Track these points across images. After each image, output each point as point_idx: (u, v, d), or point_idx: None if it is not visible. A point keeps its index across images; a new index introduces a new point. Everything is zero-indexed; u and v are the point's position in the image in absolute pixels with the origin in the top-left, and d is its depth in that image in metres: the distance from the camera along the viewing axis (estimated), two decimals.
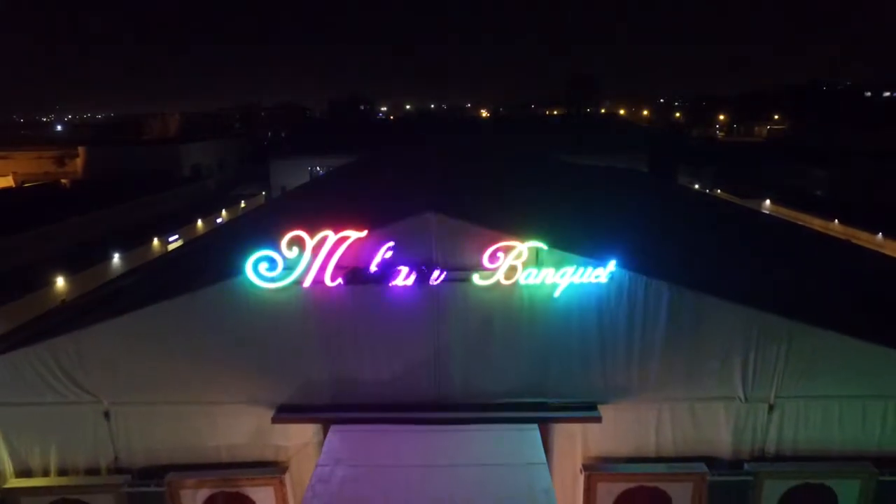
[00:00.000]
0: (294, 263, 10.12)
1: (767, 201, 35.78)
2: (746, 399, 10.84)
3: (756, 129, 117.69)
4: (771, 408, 10.90)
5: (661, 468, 10.95)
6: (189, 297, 10.63)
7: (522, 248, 9.97)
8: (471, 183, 16.71)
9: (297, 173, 48.81)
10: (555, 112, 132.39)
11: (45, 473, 11.25)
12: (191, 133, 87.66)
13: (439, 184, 14.93)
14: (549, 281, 10.18)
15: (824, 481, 10.83)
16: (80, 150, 51.39)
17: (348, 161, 36.55)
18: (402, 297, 10.36)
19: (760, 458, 11.03)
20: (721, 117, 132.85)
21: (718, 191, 42.74)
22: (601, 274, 10.13)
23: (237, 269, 10.26)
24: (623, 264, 10.23)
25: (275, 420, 10.74)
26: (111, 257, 26.15)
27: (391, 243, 9.99)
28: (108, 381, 10.86)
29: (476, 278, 10.18)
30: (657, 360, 10.67)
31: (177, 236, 31.90)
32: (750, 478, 10.81)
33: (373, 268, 10.11)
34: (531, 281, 10.18)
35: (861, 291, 13.81)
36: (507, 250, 9.99)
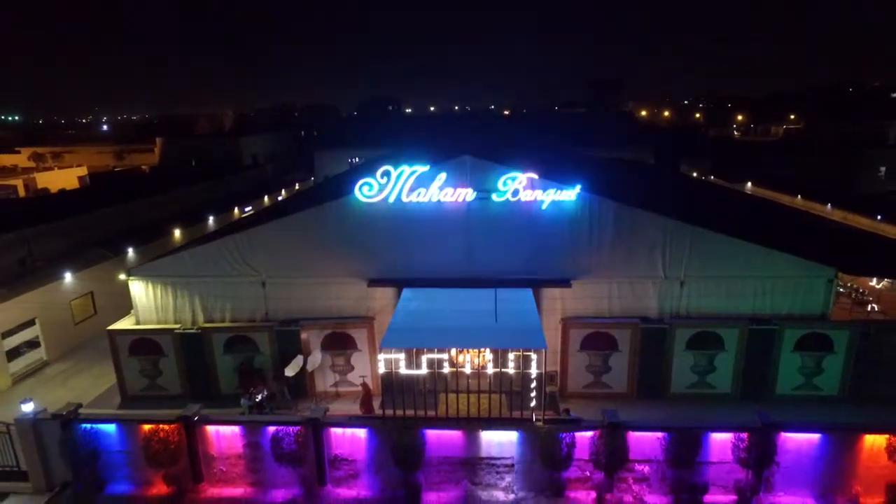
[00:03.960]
0: (383, 186, 16.64)
1: (749, 184, 41.47)
2: (666, 277, 17.07)
3: (773, 128, 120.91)
4: (682, 284, 17.11)
5: (610, 321, 17.21)
6: (318, 208, 17.33)
7: (522, 177, 16.34)
8: (492, 149, 23.14)
9: (338, 163, 55.84)
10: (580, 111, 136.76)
11: (222, 321, 18.02)
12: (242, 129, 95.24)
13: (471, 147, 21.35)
14: (538, 199, 16.53)
15: (715, 329, 16.96)
16: (157, 140, 59.09)
17: (381, 153, 43.06)
18: (449, 208, 16.78)
19: (675, 315, 17.21)
20: (739, 117, 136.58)
21: (712, 177, 48.41)
22: (571, 195, 16.45)
23: (349, 191, 16.87)
24: (585, 189, 16.55)
25: (369, 286, 17.30)
26: (207, 219, 33.32)
27: (443, 174, 16.43)
28: (266, 263, 17.58)
29: (494, 196, 16.56)
30: (607, 251, 16.95)
31: (250, 208, 38.97)
32: (667, 327, 16.99)
33: (431, 189, 16.55)
34: (528, 199, 16.52)
35: (752, 218, 19.97)
36: (513, 179, 16.36)
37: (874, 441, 12.75)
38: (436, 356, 13.47)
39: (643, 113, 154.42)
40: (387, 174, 16.54)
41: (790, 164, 53.24)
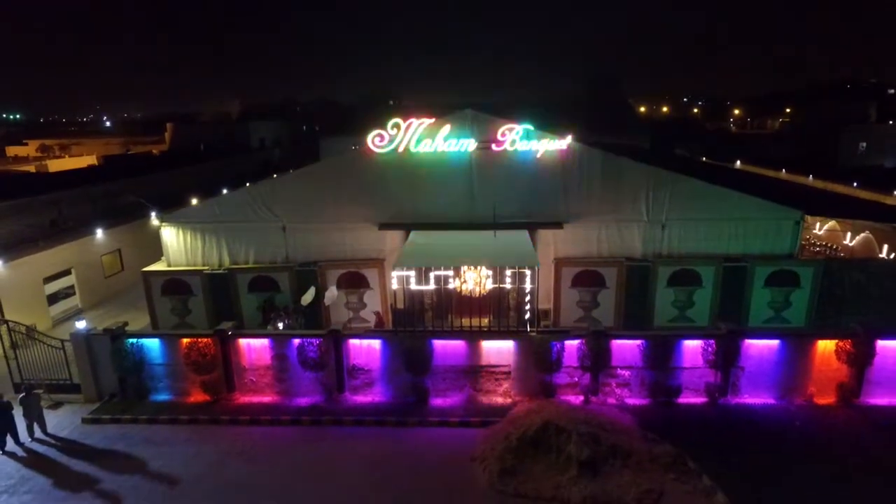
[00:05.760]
0: (394, 138, 18.41)
1: (738, 162, 43.40)
2: (649, 221, 18.86)
3: (769, 122, 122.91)
4: (663, 226, 18.90)
5: (599, 260, 19.01)
6: (334, 159, 19.21)
7: (519, 128, 18.13)
8: None
9: (342, 150, 57.75)
10: None
11: (246, 263, 19.81)
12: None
13: None
14: (534, 148, 18.32)
15: (693, 267, 18.75)
16: (168, 125, 60.87)
17: None
18: (452, 158, 18.56)
19: (658, 255, 19.01)
20: (736, 112, 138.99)
21: (704, 158, 50.32)
22: (562, 144, 18.24)
23: (362, 143, 18.65)
24: (576, 140, 18.34)
25: (380, 229, 19.08)
26: (221, 191, 35.08)
27: (448, 126, 18.22)
28: (287, 210, 19.35)
29: (493, 147, 18.34)
30: (596, 196, 18.74)
31: None
32: (650, 265, 18.79)
33: (436, 141, 18.33)
34: (524, 148, 18.32)
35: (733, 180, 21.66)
36: (510, 130, 18.15)
37: (826, 346, 14.55)
38: (442, 273, 15.27)
39: (642, 109, 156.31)
40: (397, 126, 18.33)
41: (780, 149, 55.26)
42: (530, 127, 18.27)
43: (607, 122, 66.30)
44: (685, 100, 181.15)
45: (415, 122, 18.24)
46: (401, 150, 18.49)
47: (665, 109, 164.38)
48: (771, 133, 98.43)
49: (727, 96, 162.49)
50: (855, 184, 29.55)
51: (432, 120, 18.29)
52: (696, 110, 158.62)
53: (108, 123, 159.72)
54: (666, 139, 61.60)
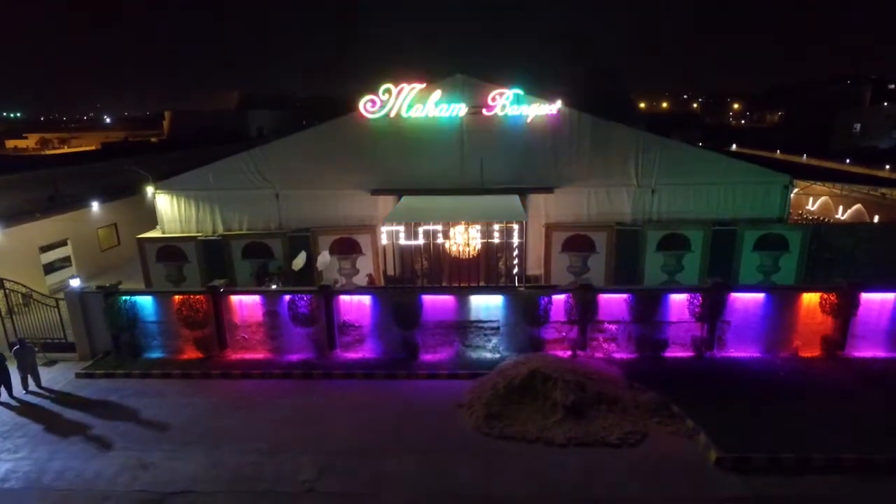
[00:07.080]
0: (385, 103, 18.56)
1: (734, 145, 43.56)
2: (639, 186, 19.00)
3: (767, 117, 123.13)
4: (653, 191, 19.04)
5: (589, 225, 19.15)
6: (326, 124, 19.32)
7: (509, 93, 18.27)
8: None
9: None
10: None
11: (240, 229, 19.97)
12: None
13: None
14: (524, 113, 18.46)
15: (682, 231, 18.89)
16: (167, 113, 61.02)
17: None
18: (444, 123, 18.70)
19: (647, 219, 19.15)
20: (735, 107, 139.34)
21: (700, 144, 50.50)
22: (553, 109, 18.39)
23: (354, 107, 18.80)
24: (565, 104, 18.48)
25: (372, 195, 19.23)
26: None
27: (439, 91, 18.36)
28: (280, 176, 19.52)
29: (484, 111, 18.49)
30: (586, 161, 18.89)
31: None
32: (640, 229, 18.93)
33: (428, 106, 18.48)
34: (515, 113, 18.46)
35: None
36: (501, 95, 18.29)
37: (810, 299, 14.69)
38: (431, 228, 15.44)
39: (642, 105, 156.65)
40: (388, 91, 18.47)
41: (777, 135, 55.39)
42: (520, 91, 18.41)
43: (603, 109, 66.51)
44: (685, 97, 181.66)
45: (406, 87, 18.38)
46: (392, 115, 18.64)
47: (665, 105, 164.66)
48: (770, 126, 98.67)
49: (728, 93, 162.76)
50: (847, 160, 29.68)
51: (423, 85, 18.43)
52: (695, 106, 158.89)
53: (108, 120, 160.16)
54: (662, 127, 61.80)
